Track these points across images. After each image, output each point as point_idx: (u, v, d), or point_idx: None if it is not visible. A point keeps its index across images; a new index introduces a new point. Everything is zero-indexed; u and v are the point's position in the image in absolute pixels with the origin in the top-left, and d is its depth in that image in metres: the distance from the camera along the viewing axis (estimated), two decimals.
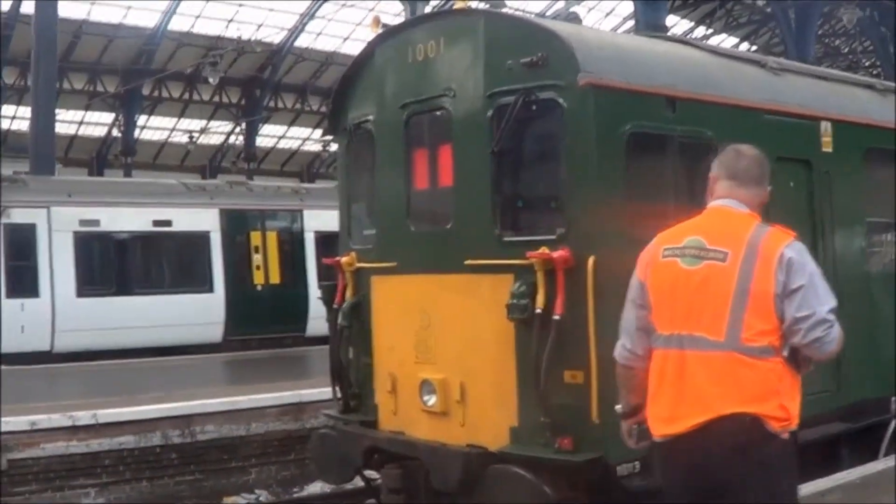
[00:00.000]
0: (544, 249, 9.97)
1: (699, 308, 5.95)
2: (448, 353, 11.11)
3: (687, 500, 6.00)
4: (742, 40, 64.84)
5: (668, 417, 6.00)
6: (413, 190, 11.89)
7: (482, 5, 19.01)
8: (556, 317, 9.85)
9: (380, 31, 12.36)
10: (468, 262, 10.75)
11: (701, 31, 63.31)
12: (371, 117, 12.35)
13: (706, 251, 6.06)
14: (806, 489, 10.67)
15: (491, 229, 10.71)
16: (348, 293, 12.52)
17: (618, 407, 6.74)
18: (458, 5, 11.32)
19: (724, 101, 11.34)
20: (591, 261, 9.74)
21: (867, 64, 68.12)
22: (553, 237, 10.16)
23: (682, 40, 13.42)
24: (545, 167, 10.98)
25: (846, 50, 68.79)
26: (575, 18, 11.80)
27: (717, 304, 5.89)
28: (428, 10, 37.98)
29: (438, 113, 11.45)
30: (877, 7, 48.75)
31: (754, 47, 66.14)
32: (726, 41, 63.38)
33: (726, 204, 6.35)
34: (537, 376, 9.92)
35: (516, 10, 40.24)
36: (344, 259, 12.51)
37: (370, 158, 12.47)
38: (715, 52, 12.94)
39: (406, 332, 11.56)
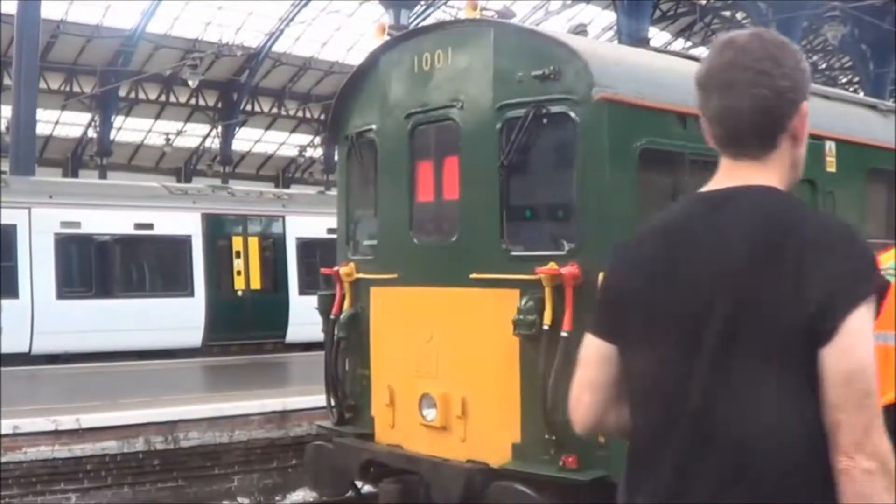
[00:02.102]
0: (553, 265, 9.87)
1: None
2: (450, 368, 10.99)
3: None
4: None
5: None
6: (417, 201, 11.78)
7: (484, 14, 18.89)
8: (565, 333, 9.74)
9: (385, 38, 12.23)
10: (474, 275, 10.65)
11: (680, 43, 63.38)
12: (374, 126, 12.22)
13: None
14: None
15: (498, 243, 10.62)
16: (346, 304, 12.38)
17: None
18: (467, 14, 11.22)
19: None
20: (601, 277, 9.61)
21: (844, 81, 68.37)
22: (562, 252, 10.07)
23: (690, 56, 13.34)
24: (555, 181, 10.89)
25: (823, 66, 69.04)
26: (582, 31, 11.68)
27: None
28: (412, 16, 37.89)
29: (445, 124, 11.33)
30: (857, 23, 48.90)
31: None
32: (703, 55, 63.18)
33: None
34: (543, 393, 9.82)
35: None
36: (342, 269, 12.37)
37: (372, 168, 12.35)
38: None
39: (406, 344, 11.43)
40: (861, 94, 40.92)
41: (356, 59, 56.93)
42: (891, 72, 53.44)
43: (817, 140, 12.51)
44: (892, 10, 50.60)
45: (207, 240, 30.55)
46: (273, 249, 32.34)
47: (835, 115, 13.55)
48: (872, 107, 15.01)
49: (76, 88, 58.35)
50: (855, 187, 13.17)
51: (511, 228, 10.73)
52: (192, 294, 30.06)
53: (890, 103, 15.76)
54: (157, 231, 29.69)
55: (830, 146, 12.66)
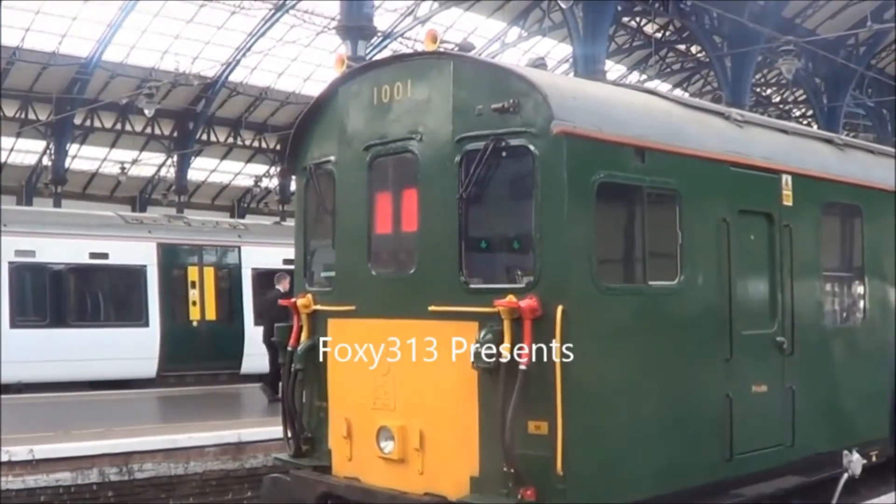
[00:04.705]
0: (511, 298, 9.86)
1: None
2: (408, 400, 10.96)
3: None
4: (675, 87, 65.30)
5: None
6: (375, 233, 11.74)
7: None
8: (522, 366, 9.73)
9: (344, 70, 12.18)
10: (432, 308, 10.61)
11: (635, 76, 63.66)
12: (333, 158, 12.18)
13: None
14: None
15: (456, 276, 10.58)
16: (303, 335, 12.32)
17: None
18: (426, 47, 11.18)
19: (690, 153, 11.31)
20: (559, 310, 9.65)
21: (798, 114, 68.90)
22: (521, 286, 10.07)
23: (648, 90, 13.39)
24: (514, 214, 10.86)
25: (777, 99, 69.55)
26: (542, 65, 11.68)
27: None
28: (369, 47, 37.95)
29: (404, 156, 11.30)
30: (812, 57, 49.37)
31: (686, 94, 66.69)
32: (658, 87, 63.62)
33: None
34: (501, 426, 9.79)
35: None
36: (300, 301, 12.32)
37: (330, 200, 12.28)
38: (681, 103, 12.92)
39: (364, 377, 11.39)
40: (815, 128, 41.32)
41: (313, 89, 56.97)
42: (844, 105, 53.96)
43: (774, 174, 12.62)
44: (846, 45, 51.19)
45: (162, 269, 30.43)
46: (228, 280, 32.23)
47: (792, 148, 13.65)
48: (828, 141, 15.13)
49: (31, 116, 57.96)
50: (811, 220, 13.27)
51: (470, 261, 10.67)
52: (146, 324, 29.87)
53: (847, 138, 15.90)
54: (112, 260, 29.54)
55: (787, 179, 12.74)
